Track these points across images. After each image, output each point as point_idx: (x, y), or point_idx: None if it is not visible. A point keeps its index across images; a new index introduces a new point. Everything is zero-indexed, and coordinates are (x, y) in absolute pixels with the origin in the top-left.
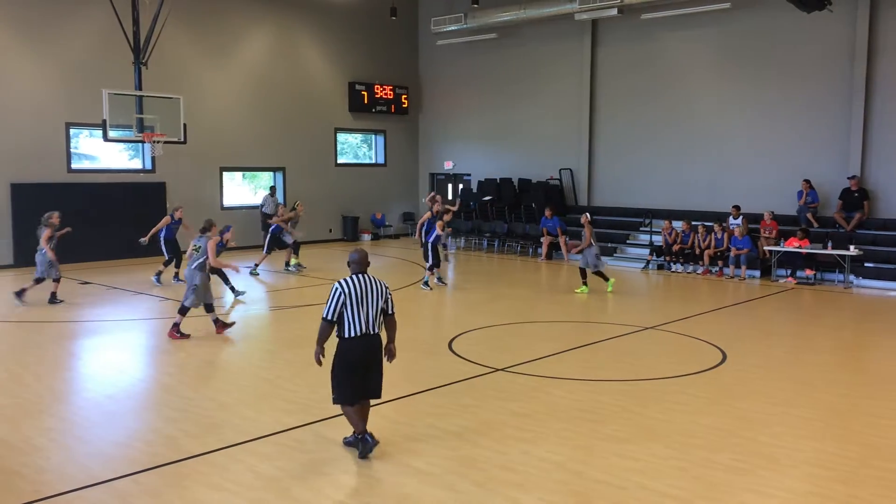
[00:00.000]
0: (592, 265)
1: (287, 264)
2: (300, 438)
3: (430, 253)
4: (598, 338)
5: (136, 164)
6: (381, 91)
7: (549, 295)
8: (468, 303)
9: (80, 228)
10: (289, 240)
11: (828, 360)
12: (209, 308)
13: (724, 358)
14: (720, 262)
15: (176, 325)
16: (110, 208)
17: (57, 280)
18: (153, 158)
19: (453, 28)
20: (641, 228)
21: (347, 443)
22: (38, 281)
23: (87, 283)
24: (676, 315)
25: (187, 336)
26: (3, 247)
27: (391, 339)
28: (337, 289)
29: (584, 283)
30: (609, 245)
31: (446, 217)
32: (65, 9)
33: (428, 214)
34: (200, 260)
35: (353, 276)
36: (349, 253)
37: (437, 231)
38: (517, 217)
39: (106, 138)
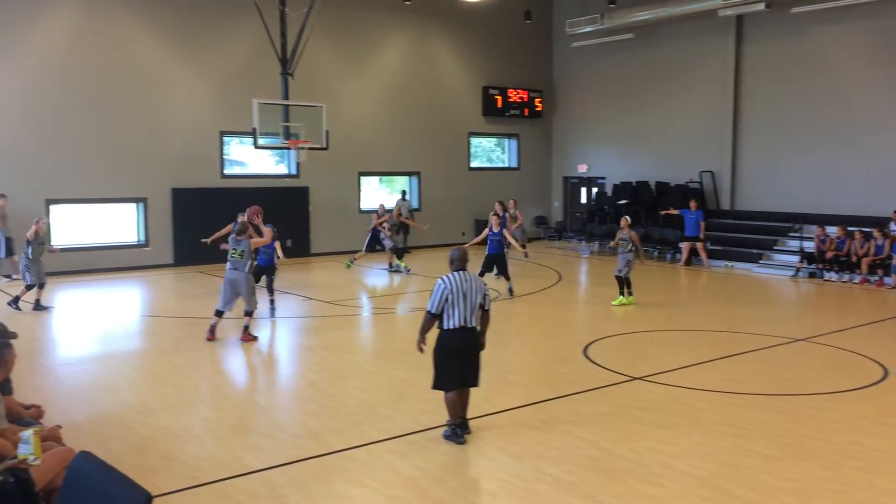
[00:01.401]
0: (620, 269)
1: (390, 265)
2: (437, 439)
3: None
4: (743, 349)
5: (282, 169)
6: (515, 95)
7: (689, 302)
8: (602, 308)
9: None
10: (388, 244)
11: None
12: (249, 313)
13: (886, 374)
14: (880, 271)
15: (245, 329)
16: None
17: (29, 287)
18: (298, 164)
19: (589, 29)
20: (790, 234)
21: (446, 437)
22: (38, 286)
23: None
24: (830, 327)
25: (255, 338)
26: (165, 247)
27: (482, 332)
28: (441, 284)
29: (629, 293)
30: (754, 251)
31: (516, 222)
32: (220, 25)
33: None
34: (251, 262)
35: (455, 273)
36: (449, 252)
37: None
38: (654, 221)
39: (256, 146)
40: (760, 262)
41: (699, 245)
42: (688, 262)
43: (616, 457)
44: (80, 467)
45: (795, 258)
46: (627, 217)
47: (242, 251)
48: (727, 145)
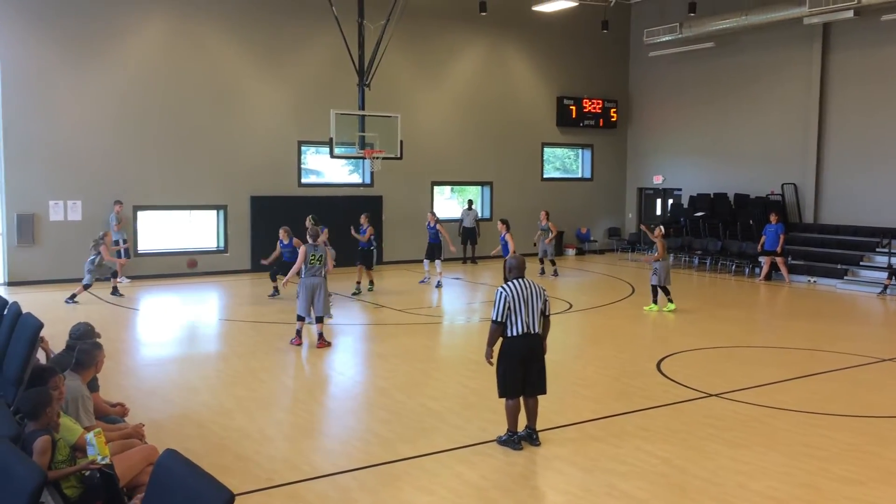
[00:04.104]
0: (662, 280)
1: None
2: (506, 450)
3: None
4: (826, 368)
5: (356, 178)
6: (590, 105)
7: (769, 318)
8: (677, 323)
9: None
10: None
11: None
12: (320, 319)
13: None
14: None
15: (320, 335)
16: (334, 220)
17: (114, 276)
18: (372, 173)
19: (667, 38)
20: (878, 249)
21: (501, 442)
22: (86, 287)
23: None
24: None
25: (329, 344)
26: (243, 253)
27: (543, 338)
28: (502, 293)
29: (654, 302)
30: (839, 267)
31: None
32: (299, 38)
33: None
34: (327, 268)
35: (514, 281)
36: (507, 260)
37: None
38: (732, 234)
39: (332, 155)
40: (845, 277)
41: (779, 260)
42: (768, 277)
43: (689, 475)
44: (167, 465)
45: (883, 274)
46: (661, 227)
47: (320, 256)
48: (811, 157)
